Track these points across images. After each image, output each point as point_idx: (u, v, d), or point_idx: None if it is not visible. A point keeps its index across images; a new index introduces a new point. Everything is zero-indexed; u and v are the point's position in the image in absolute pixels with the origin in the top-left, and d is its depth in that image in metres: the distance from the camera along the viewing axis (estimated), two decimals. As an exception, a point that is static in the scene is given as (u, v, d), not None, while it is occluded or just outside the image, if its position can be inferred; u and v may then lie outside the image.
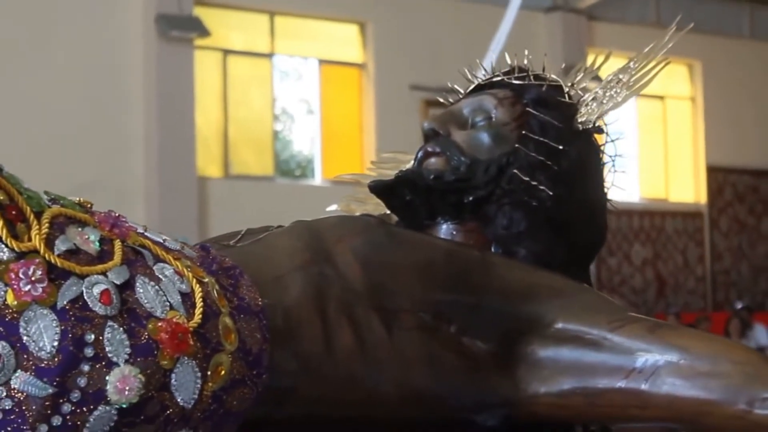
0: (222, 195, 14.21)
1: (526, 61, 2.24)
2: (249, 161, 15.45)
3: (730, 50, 18.19)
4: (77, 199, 1.59)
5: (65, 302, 1.40)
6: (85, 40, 13.56)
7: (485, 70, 2.31)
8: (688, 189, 18.83)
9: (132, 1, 13.81)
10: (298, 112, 16.11)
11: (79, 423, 1.39)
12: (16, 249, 1.39)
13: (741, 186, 19.28)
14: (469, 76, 2.34)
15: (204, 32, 13.71)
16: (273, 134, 15.72)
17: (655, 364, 1.82)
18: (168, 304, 1.54)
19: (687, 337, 1.91)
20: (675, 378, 1.81)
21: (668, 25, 2.20)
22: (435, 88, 12.89)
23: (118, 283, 1.48)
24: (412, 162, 2.21)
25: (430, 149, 2.14)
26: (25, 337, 1.36)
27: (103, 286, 1.46)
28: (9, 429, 1.38)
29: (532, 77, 2.21)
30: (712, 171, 18.60)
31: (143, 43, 13.82)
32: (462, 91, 2.29)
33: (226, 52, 14.61)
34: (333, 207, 2.41)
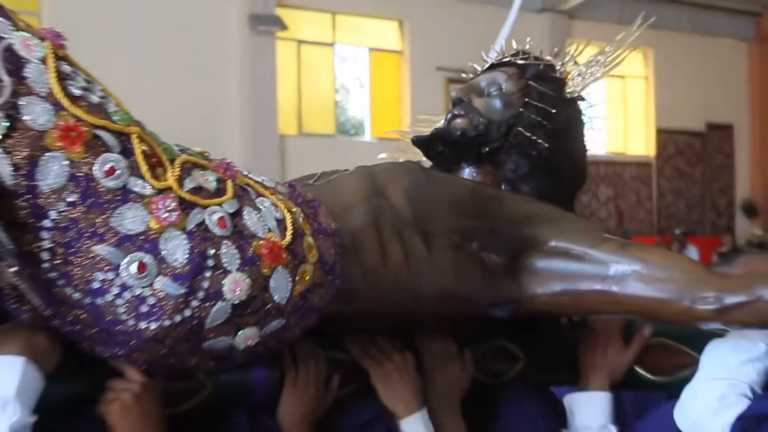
0: (296, 148, 14.13)
1: (527, 47, 2.26)
2: (316, 123, 15.21)
3: (675, 40, 17.35)
4: (199, 150, 1.69)
5: (192, 226, 1.51)
6: (195, 34, 13.47)
7: (496, 53, 2.35)
8: (641, 146, 18.59)
9: (230, 4, 13.72)
10: (353, 87, 15.94)
11: (203, 315, 1.51)
12: (156, 187, 1.49)
13: (680, 143, 18.78)
14: (485, 58, 2.36)
15: (283, 27, 13.76)
16: (334, 103, 15.60)
17: (623, 273, 1.88)
18: (267, 227, 1.63)
19: (647, 252, 1.98)
20: (638, 283, 1.88)
21: (630, 23, 2.31)
22: (455, 69, 12.09)
23: (230, 212, 1.58)
24: (443, 122, 2.25)
25: (456, 112, 2.19)
26: (163, 252, 1.47)
27: (219, 214, 1.56)
28: (153, 318, 1.48)
29: (532, 58, 2.25)
30: (660, 132, 18.21)
31: (239, 36, 13.74)
32: (479, 69, 2.33)
33: (300, 42, 14.53)
34: (382, 155, 2.42)
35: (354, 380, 1.98)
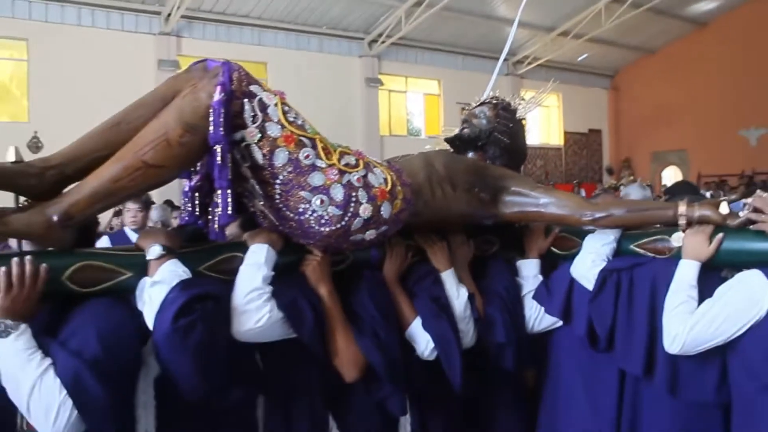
0: (388, 144, 16.37)
1: (497, 93, 2.73)
2: (397, 130, 17.62)
3: (576, 92, 20.24)
4: (345, 145, 2.07)
5: (345, 181, 1.93)
6: (333, 92, 15.68)
7: (483, 98, 2.73)
8: (557, 139, 20.97)
9: (355, 71, 16.36)
10: (416, 115, 18.40)
11: (350, 224, 1.96)
12: (328, 163, 1.92)
13: (575, 138, 21.38)
14: (477, 100, 2.72)
15: (381, 83, 16.81)
16: (407, 122, 18.10)
17: (546, 202, 2.34)
18: (379, 181, 2.03)
19: (558, 192, 2.45)
20: (554, 207, 2.36)
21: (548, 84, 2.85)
22: (464, 103, 17.10)
23: (362, 175, 1.96)
24: (458, 130, 2.66)
25: (464, 125, 2.63)
26: (332, 194, 1.91)
27: (357, 175, 1.97)
28: (326, 225, 1.94)
29: (501, 100, 2.70)
30: (566, 133, 20.95)
31: (360, 88, 16.47)
32: (473, 104, 2.71)
33: (390, 91, 17.36)
34: (428, 147, 2.69)
35: (418, 254, 2.36)
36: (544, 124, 20.81)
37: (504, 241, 2.62)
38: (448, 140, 2.67)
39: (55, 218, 1.77)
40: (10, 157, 1.82)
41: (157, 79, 13.06)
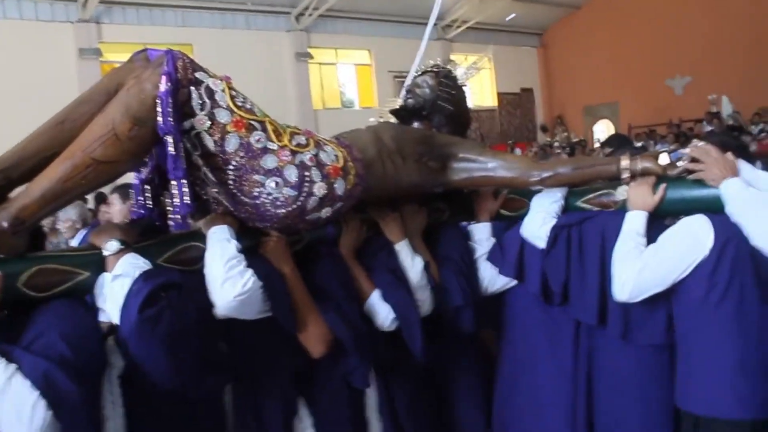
0: (322, 118, 16.36)
1: (440, 61, 2.76)
2: (330, 103, 17.58)
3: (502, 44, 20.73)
4: (294, 125, 2.07)
5: (298, 162, 1.95)
6: (263, 70, 15.28)
7: (423, 66, 2.77)
8: (491, 101, 21.25)
9: (284, 47, 16.21)
10: (348, 87, 18.54)
11: (305, 204, 1.99)
12: (279, 145, 1.94)
13: (509, 99, 21.75)
14: (419, 69, 2.80)
15: (311, 57, 16.75)
16: (340, 94, 18.19)
17: (494, 166, 2.42)
18: (331, 159, 2.06)
19: (505, 155, 2.59)
20: (502, 170, 2.41)
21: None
22: (396, 72, 17.01)
23: (314, 153, 2.01)
24: (402, 101, 2.69)
25: (408, 96, 2.67)
26: (285, 175, 1.93)
27: (309, 155, 1.99)
28: (282, 207, 1.97)
29: (441, 68, 2.73)
30: (499, 94, 21.29)
31: (290, 64, 16.41)
32: (410, 72, 2.90)
33: (320, 64, 17.38)
34: (372, 119, 2.64)
35: (372, 227, 2.41)
36: (477, 86, 20.97)
37: (454, 208, 2.67)
38: (393, 111, 2.69)
39: (5, 224, 1.74)
40: None
41: (80, 69, 13.16)
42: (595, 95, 21.25)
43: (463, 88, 2.78)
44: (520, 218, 2.56)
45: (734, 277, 2.07)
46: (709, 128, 13.32)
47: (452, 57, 18.52)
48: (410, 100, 2.66)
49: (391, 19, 18.19)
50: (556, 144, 17.70)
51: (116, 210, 3.88)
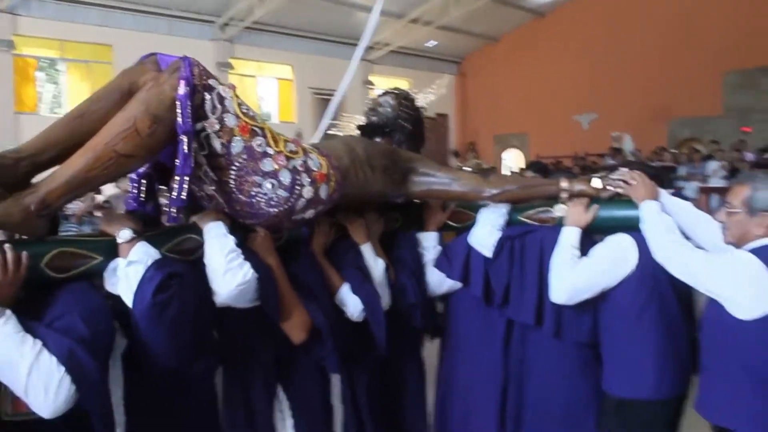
0: None
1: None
2: None
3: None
4: (288, 136, 2.27)
5: (291, 167, 2.14)
6: None
7: (383, 90, 3.06)
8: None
9: (206, 55, 15.41)
10: (266, 100, 18.56)
11: (294, 205, 2.20)
12: (276, 150, 2.12)
13: (426, 123, 18.92)
14: (381, 92, 3.01)
15: (231, 67, 16.77)
16: (258, 106, 17.80)
17: (449, 180, 2.71)
18: (317, 166, 2.23)
19: (458, 171, 2.85)
20: (456, 185, 2.70)
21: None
22: (321, 90, 17.21)
23: (303, 160, 2.20)
24: (366, 119, 2.90)
25: (372, 114, 2.89)
26: (280, 178, 2.12)
27: (300, 161, 2.17)
28: (274, 207, 2.16)
29: (400, 91, 3.02)
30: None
31: (212, 71, 16.59)
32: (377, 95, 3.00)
33: (241, 75, 17.27)
34: (332, 131, 4.17)
35: (340, 230, 2.65)
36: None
37: (407, 217, 2.93)
38: (359, 127, 2.94)
39: (33, 207, 1.88)
40: None
41: (-7, 62, 12.42)
42: (506, 125, 21.96)
43: (420, 110, 3.04)
44: (466, 229, 2.86)
45: (655, 286, 2.52)
46: (611, 162, 14.14)
47: (371, 78, 19.15)
48: (374, 118, 2.89)
49: (314, 37, 18.46)
50: (468, 170, 17.99)
51: None
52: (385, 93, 2.99)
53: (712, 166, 12.90)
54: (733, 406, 2.22)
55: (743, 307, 2.15)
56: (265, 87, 18.59)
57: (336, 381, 2.65)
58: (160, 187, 2.34)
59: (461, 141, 23.24)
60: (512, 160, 21.64)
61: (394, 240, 2.85)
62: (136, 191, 2.23)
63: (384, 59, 19.78)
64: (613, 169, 2.75)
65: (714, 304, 2.26)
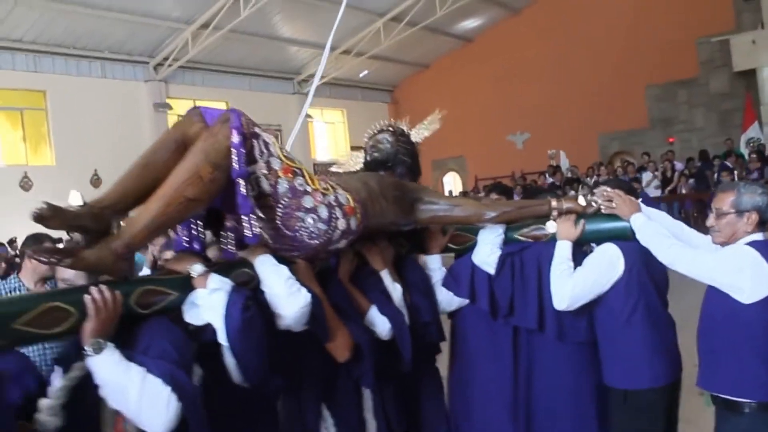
0: None
1: (394, 120, 3.14)
2: None
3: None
4: (312, 172, 2.46)
5: (326, 202, 2.39)
6: (120, 119, 15.55)
7: (379, 126, 3.20)
8: (345, 154, 21.44)
9: (142, 97, 16.52)
10: None
11: (331, 237, 2.45)
12: (314, 188, 2.37)
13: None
14: (379, 127, 3.19)
15: (170, 108, 17.30)
16: None
17: (451, 207, 2.94)
18: (345, 200, 2.49)
19: (459, 198, 3.49)
20: (457, 210, 2.94)
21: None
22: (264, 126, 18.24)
23: (335, 196, 2.45)
24: (369, 156, 3.12)
25: (374, 151, 3.10)
26: (319, 213, 2.37)
27: (333, 197, 2.42)
28: (315, 240, 2.43)
29: (397, 127, 3.16)
30: (353, 147, 16.82)
31: (148, 113, 16.71)
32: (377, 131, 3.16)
33: (179, 116, 14.97)
34: (335, 167, 3.16)
35: (360, 258, 2.88)
36: (331, 140, 21.74)
37: (412, 242, 3.17)
38: (365, 163, 3.16)
39: (120, 251, 2.09)
40: (76, 201, 2.13)
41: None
42: (442, 149, 21.81)
43: (416, 144, 3.24)
44: (465, 251, 3.12)
45: (642, 288, 2.90)
46: (551, 180, 14.87)
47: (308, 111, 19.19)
48: (376, 154, 3.10)
49: (248, 72, 18.82)
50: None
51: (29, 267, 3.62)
52: (381, 131, 3.17)
53: (647, 177, 13.65)
54: (741, 379, 2.51)
55: (746, 293, 2.46)
56: (202, 124, 18.47)
57: (367, 396, 2.81)
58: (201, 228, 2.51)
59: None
60: (452, 184, 22.18)
61: (401, 264, 3.06)
62: (185, 233, 2.42)
63: (319, 91, 18.37)
64: (595, 185, 3.08)
65: (713, 296, 2.59)
